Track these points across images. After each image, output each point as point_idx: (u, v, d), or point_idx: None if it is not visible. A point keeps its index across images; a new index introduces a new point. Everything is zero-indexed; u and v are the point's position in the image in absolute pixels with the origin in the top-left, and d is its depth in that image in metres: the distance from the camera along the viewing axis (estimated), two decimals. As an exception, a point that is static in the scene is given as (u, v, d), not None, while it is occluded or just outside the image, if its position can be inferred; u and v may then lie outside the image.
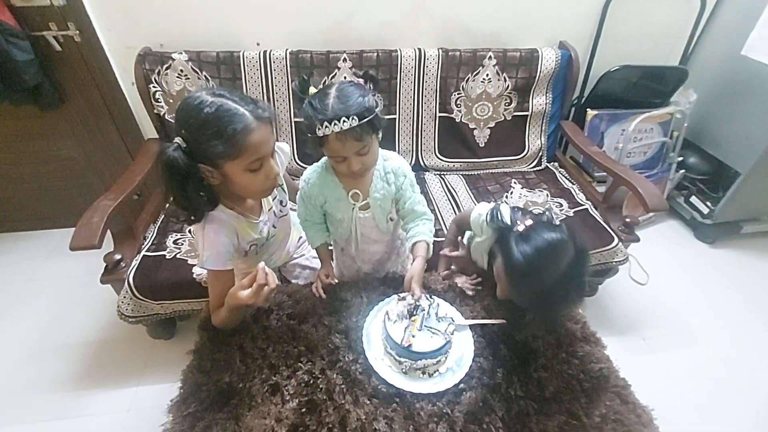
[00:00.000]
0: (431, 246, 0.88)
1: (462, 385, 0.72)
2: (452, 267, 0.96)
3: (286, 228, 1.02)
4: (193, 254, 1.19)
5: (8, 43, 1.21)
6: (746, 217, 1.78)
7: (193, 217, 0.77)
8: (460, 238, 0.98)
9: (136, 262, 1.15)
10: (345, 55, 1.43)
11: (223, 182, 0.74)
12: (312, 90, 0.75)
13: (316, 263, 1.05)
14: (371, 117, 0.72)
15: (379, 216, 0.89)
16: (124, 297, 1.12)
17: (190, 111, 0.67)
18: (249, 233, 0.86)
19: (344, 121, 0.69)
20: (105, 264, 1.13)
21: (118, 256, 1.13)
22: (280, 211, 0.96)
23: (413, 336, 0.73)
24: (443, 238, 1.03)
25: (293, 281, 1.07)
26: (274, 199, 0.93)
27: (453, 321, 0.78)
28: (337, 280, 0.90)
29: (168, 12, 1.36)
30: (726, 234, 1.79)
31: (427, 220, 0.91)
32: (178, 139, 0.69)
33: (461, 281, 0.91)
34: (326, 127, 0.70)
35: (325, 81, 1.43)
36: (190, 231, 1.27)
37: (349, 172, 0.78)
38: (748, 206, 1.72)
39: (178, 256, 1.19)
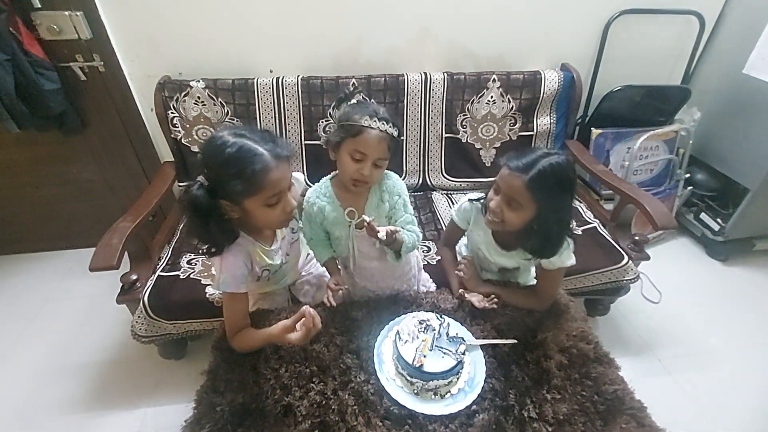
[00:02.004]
0: (406, 244, 0.89)
1: (474, 407, 0.72)
2: (461, 291, 0.96)
3: (297, 252, 1.04)
4: (206, 274, 1.22)
5: (36, 74, 1.29)
6: (758, 234, 1.75)
7: (214, 250, 0.80)
8: (465, 258, 0.99)
9: (150, 282, 1.18)
10: (354, 80, 1.48)
11: (243, 216, 0.79)
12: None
13: (323, 281, 1.07)
14: (398, 143, 0.85)
15: None
16: (139, 317, 1.14)
17: (214, 151, 0.72)
18: (264, 259, 0.89)
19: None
20: (121, 284, 1.15)
21: (134, 277, 1.16)
22: (291, 237, 0.99)
23: (424, 356, 0.74)
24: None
25: (301, 299, 1.08)
26: (285, 228, 0.96)
27: (464, 341, 0.79)
28: (347, 286, 0.92)
29: (187, 43, 1.45)
30: (739, 251, 1.76)
31: (413, 233, 0.92)
32: (200, 178, 0.74)
33: (476, 300, 0.91)
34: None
35: (333, 105, 1.48)
36: (203, 251, 1.29)
37: (351, 181, 0.83)
38: (760, 223, 1.70)
39: (191, 276, 1.21)
